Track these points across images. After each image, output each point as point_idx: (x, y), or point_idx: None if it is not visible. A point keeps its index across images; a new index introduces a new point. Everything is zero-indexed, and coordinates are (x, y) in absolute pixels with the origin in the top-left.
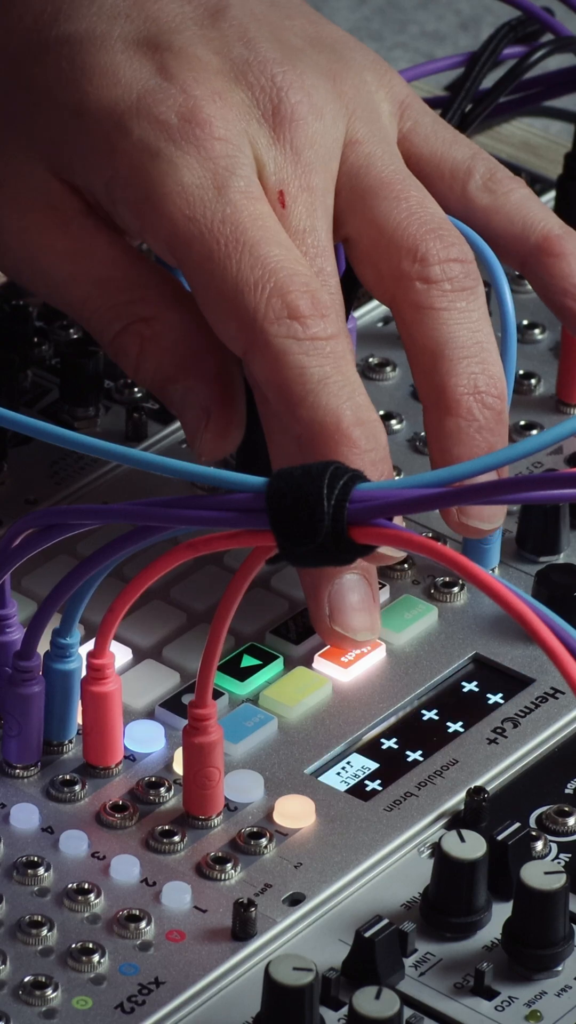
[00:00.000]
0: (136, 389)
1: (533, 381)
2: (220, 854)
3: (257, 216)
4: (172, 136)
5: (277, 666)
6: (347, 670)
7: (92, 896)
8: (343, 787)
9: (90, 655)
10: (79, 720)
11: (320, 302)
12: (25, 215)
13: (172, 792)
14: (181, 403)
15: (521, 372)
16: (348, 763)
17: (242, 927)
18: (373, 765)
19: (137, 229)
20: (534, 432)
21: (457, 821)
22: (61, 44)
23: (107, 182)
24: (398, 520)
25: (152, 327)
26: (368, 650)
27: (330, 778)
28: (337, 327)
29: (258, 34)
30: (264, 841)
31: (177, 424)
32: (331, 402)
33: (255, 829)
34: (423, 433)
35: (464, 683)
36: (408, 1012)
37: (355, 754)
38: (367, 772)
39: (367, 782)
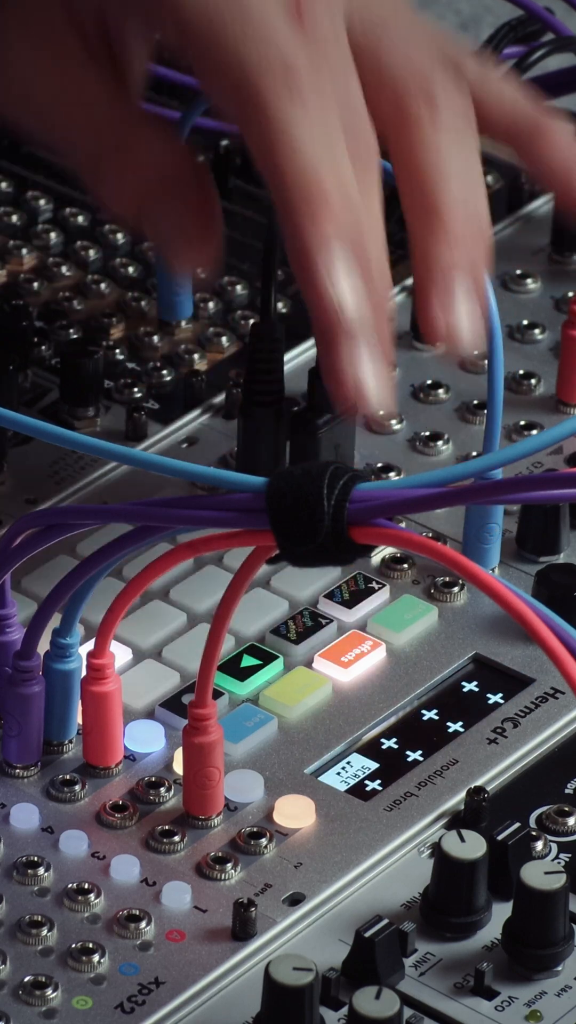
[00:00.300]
0: (136, 389)
1: (533, 381)
2: (220, 854)
3: (267, 9)
4: None
5: (277, 666)
6: (347, 670)
7: (92, 896)
8: (343, 787)
9: (90, 655)
10: (79, 720)
11: (321, 82)
12: (25, 46)
13: (172, 792)
14: (157, 223)
15: (521, 372)
16: (348, 763)
17: (242, 927)
18: (373, 765)
19: (144, 27)
20: (534, 432)
21: (457, 821)
22: None
23: None
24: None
25: (134, 157)
26: (368, 650)
27: (330, 778)
28: (333, 104)
29: None
30: (264, 841)
31: (177, 424)
32: (312, 161)
33: (255, 829)
34: (424, 433)
35: (464, 683)
36: (408, 1012)
37: (355, 754)
38: (367, 772)
39: (367, 782)
